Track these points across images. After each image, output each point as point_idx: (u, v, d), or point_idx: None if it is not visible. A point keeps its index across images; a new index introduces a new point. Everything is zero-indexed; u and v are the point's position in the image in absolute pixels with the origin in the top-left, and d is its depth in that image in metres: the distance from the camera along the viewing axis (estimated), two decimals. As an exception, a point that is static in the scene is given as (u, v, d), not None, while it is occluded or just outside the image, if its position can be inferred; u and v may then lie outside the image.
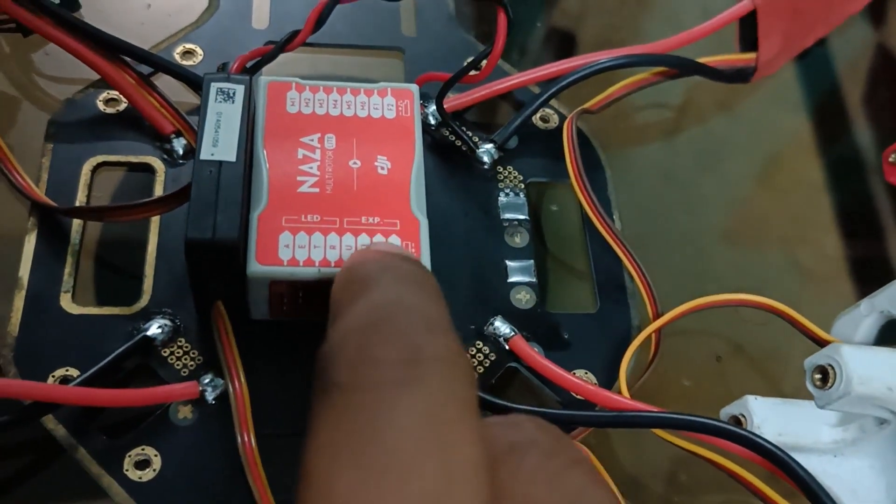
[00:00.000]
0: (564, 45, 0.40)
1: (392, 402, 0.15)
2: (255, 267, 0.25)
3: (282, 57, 0.31)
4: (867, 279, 0.35)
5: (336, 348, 0.16)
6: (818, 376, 0.24)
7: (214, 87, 0.26)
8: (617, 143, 0.36)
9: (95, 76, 0.30)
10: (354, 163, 0.27)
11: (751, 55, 0.35)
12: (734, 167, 0.38)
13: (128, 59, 0.30)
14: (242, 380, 0.25)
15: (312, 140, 0.27)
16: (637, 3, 0.43)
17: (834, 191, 0.37)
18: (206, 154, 0.25)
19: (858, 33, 0.43)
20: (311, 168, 0.27)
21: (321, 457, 0.15)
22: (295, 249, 0.25)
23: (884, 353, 0.25)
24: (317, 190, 0.26)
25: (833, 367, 0.24)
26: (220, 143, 0.25)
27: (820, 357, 0.24)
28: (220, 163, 0.25)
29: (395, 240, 0.26)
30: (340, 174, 0.27)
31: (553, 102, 0.34)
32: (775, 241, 0.36)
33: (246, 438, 0.25)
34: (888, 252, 0.37)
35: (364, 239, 0.26)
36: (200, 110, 0.26)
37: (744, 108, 0.39)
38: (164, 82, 0.31)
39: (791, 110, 0.40)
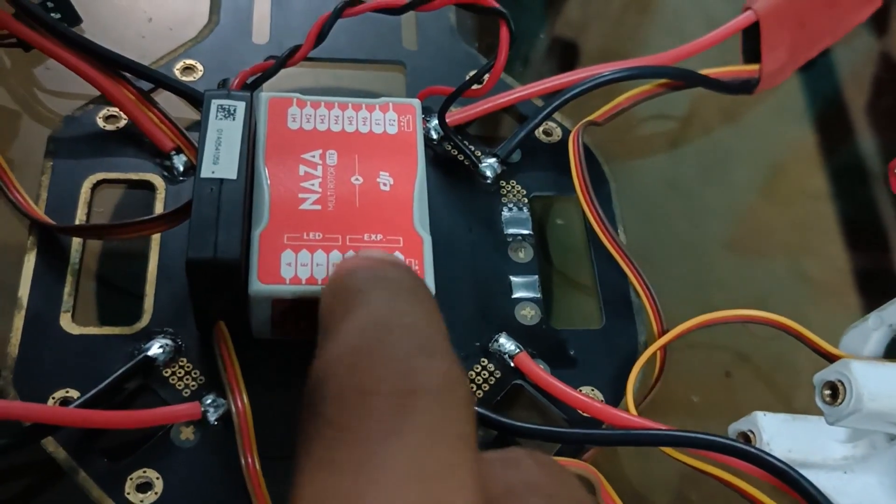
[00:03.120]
0: (568, 57, 0.40)
1: (381, 444, 0.14)
2: (257, 286, 0.25)
3: (284, 72, 0.31)
4: (873, 290, 0.35)
5: (325, 374, 0.16)
6: (828, 392, 0.24)
7: (215, 103, 0.26)
8: (621, 154, 0.36)
9: (96, 92, 0.30)
10: (356, 179, 0.27)
11: (754, 67, 0.35)
12: (738, 177, 0.37)
13: (128, 74, 0.30)
14: (245, 400, 0.25)
15: (314, 156, 0.27)
16: (641, 15, 0.42)
17: (839, 201, 0.37)
18: (206, 172, 0.25)
19: (862, 42, 0.42)
20: (312, 185, 0.26)
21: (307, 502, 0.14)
22: (297, 268, 0.25)
23: (894, 368, 0.24)
24: (319, 207, 0.26)
25: (843, 383, 0.24)
26: (220, 161, 0.25)
27: (829, 373, 0.24)
28: (221, 180, 0.25)
29: (397, 257, 0.26)
30: (342, 191, 0.27)
31: (556, 116, 0.34)
32: (780, 252, 0.36)
33: (250, 460, 0.24)
34: (894, 263, 0.36)
35: (367, 256, 0.25)
36: (201, 127, 0.26)
37: (747, 118, 0.39)
38: (164, 98, 0.31)
39: (795, 120, 0.40)
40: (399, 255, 0.26)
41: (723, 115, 0.39)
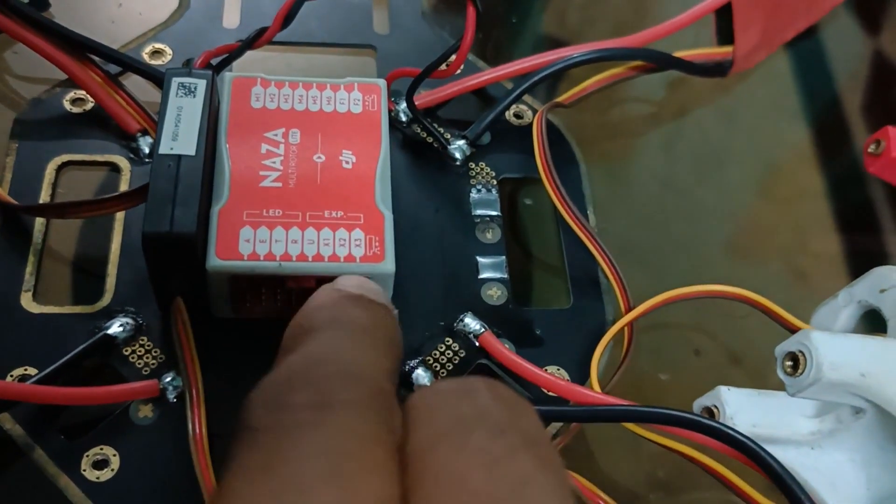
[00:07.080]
0: (541, 40, 0.40)
1: (296, 440, 0.15)
2: (215, 261, 0.24)
3: (255, 55, 0.31)
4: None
5: (254, 397, 0.16)
6: (789, 363, 0.24)
7: (176, 81, 0.26)
8: (614, 153, 0.35)
9: (64, 75, 0.30)
10: (319, 157, 0.27)
11: (728, 49, 0.35)
12: (733, 177, 0.37)
13: (95, 58, 0.30)
14: (198, 376, 0.25)
15: (276, 135, 0.27)
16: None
17: (834, 199, 0.37)
18: (165, 148, 0.25)
19: (856, 40, 0.42)
20: (274, 163, 0.26)
21: (222, 496, 0.15)
22: (255, 244, 0.25)
23: (856, 339, 0.24)
24: (279, 185, 0.26)
25: (804, 354, 0.23)
26: (179, 137, 0.25)
27: (791, 343, 0.24)
28: (180, 157, 0.25)
29: (358, 234, 0.25)
30: (304, 168, 0.26)
31: (527, 99, 0.34)
32: (775, 251, 0.35)
33: (198, 430, 0.24)
34: (890, 260, 0.36)
35: (327, 233, 0.25)
36: (161, 104, 0.26)
37: (742, 117, 0.38)
38: (132, 82, 0.31)
39: (790, 119, 0.39)
40: (360, 232, 0.26)
41: (717, 114, 0.38)
